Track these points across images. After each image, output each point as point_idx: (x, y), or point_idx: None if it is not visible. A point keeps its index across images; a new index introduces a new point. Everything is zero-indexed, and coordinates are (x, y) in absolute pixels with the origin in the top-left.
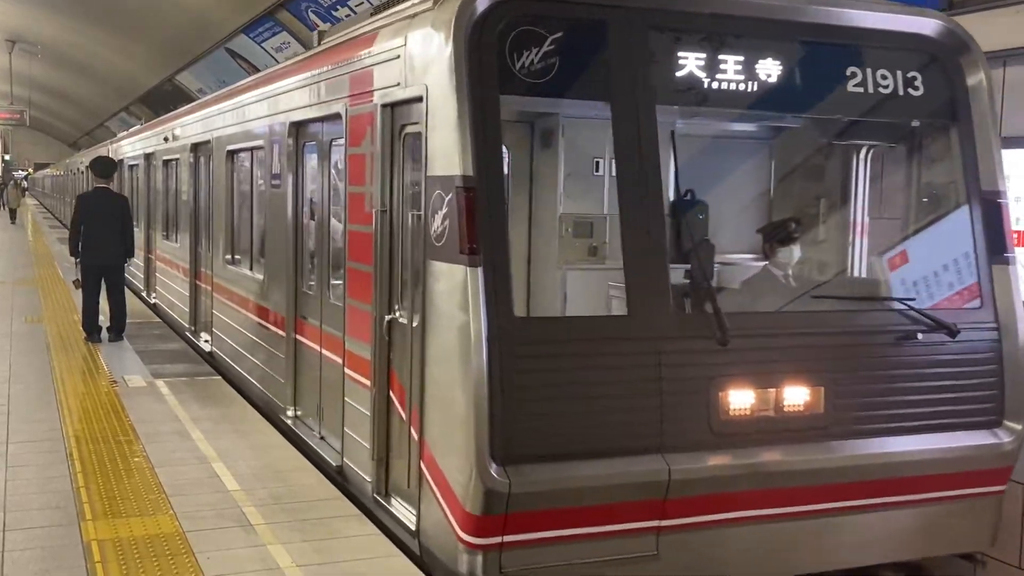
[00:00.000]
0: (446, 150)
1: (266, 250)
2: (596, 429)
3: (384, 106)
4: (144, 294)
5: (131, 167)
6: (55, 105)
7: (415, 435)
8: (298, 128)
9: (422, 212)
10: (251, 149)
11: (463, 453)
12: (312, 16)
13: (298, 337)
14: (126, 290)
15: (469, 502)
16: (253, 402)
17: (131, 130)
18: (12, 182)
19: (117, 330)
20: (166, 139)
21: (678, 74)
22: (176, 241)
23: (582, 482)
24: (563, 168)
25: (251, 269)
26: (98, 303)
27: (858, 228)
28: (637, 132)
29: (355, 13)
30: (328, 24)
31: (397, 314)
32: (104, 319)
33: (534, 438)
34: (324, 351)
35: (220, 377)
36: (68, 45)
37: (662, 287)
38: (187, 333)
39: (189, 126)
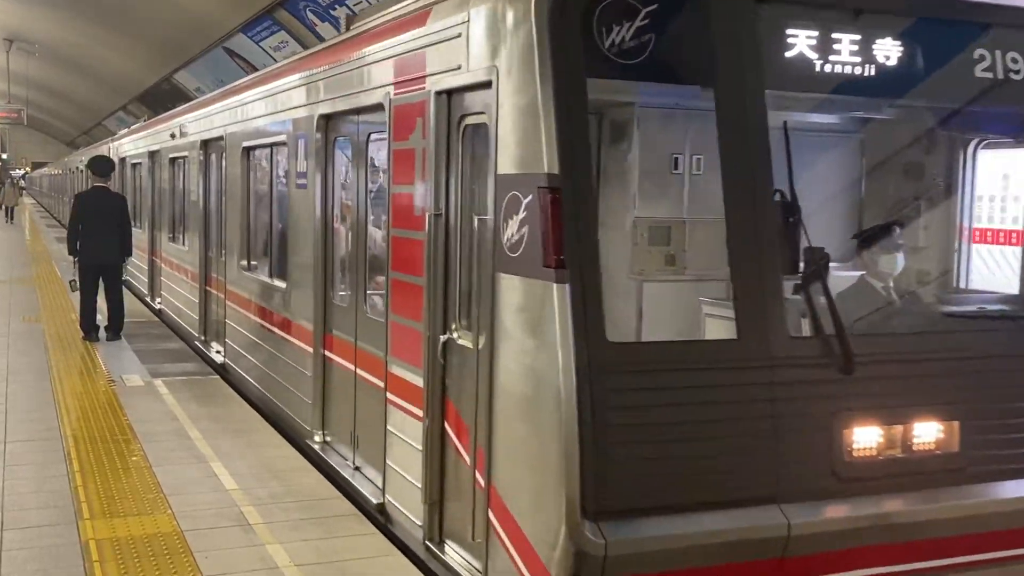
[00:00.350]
0: (523, 144)
1: (289, 256)
2: (703, 476)
3: (439, 93)
4: (148, 298)
5: (134, 166)
6: (53, 104)
7: (481, 479)
8: (328, 121)
9: (490, 216)
10: (271, 145)
11: (548, 506)
12: (310, 15)
13: (327, 353)
14: (124, 289)
15: (556, 566)
16: (273, 421)
17: (133, 127)
18: (9, 180)
19: (115, 329)
20: (173, 136)
21: (788, 55)
22: (184, 244)
23: (688, 540)
24: (638, 166)
25: (271, 276)
26: (96, 302)
27: (964, 232)
28: (746, 123)
29: (354, 13)
30: (327, 23)
31: (455, 335)
32: (102, 318)
33: (633, 488)
34: (360, 371)
35: (219, 376)
36: (66, 44)
37: (777, 305)
38: (196, 342)
39: (199, 121)
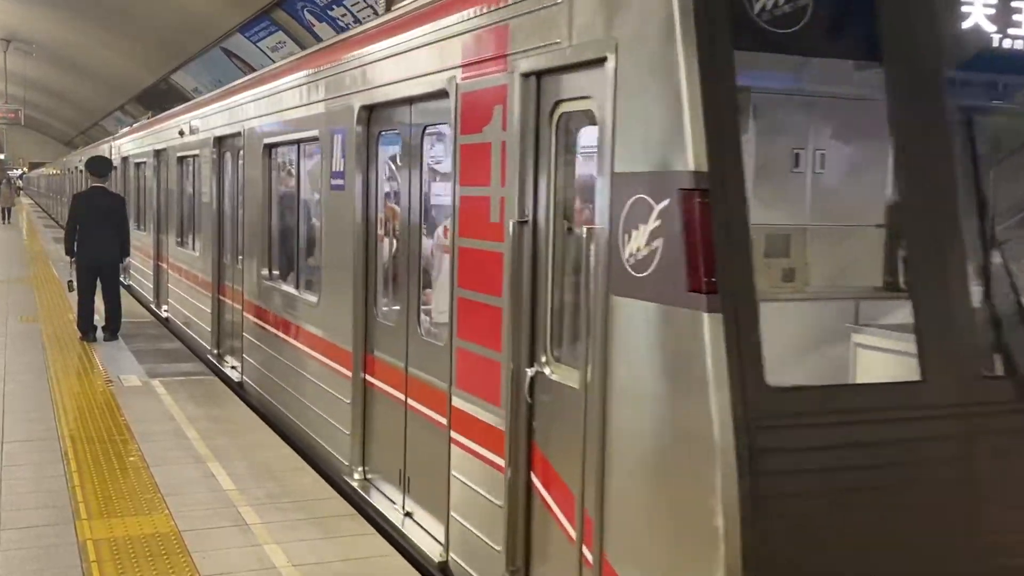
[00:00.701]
0: (654, 134)
1: (321, 266)
2: (890, 555)
3: (527, 75)
4: (154, 305)
5: (137, 165)
6: (50, 104)
7: (589, 552)
8: (370, 113)
9: (602, 225)
10: (298, 141)
11: None
12: (308, 16)
13: (368, 378)
14: (121, 290)
15: None
16: (300, 450)
17: (136, 124)
18: (6, 180)
19: (112, 329)
20: (181, 133)
21: (964, 25)
22: (194, 249)
23: None
24: (753, 162)
25: (298, 288)
26: (93, 302)
27: None
28: (925, 106)
29: (352, 13)
30: (324, 23)
31: (546, 369)
32: (99, 318)
33: (801, 565)
34: (412, 401)
35: (231, 391)
36: (63, 44)
37: (969, 337)
38: (209, 356)
39: (212, 116)
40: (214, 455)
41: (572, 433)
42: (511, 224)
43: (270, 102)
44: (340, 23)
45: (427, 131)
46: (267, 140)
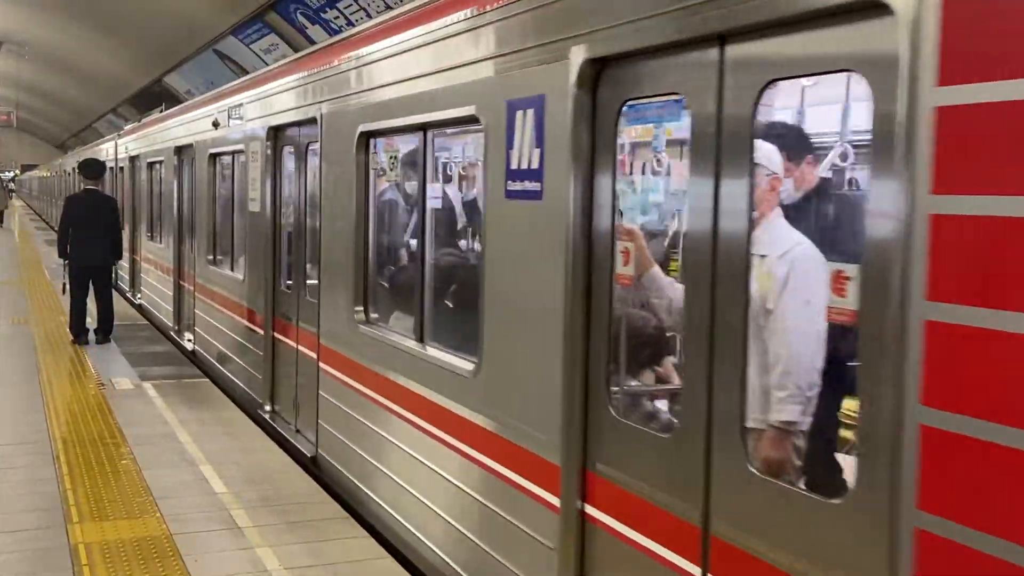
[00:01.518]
0: None
1: (486, 311)
2: None
3: None
4: (174, 332)
5: (151, 165)
6: (43, 106)
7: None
8: (600, 72)
9: None
10: (425, 127)
11: None
12: (300, 18)
13: (591, 511)
14: (113, 292)
15: None
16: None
17: (149, 118)
18: None
19: (105, 332)
20: (216, 124)
21: None
22: (235, 270)
23: None
24: None
25: (420, 340)
26: (86, 305)
27: None
28: None
29: (344, 16)
30: (317, 26)
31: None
32: (92, 321)
33: None
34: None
35: (214, 385)
36: (56, 46)
37: None
38: (262, 412)
39: (265, 101)
40: (206, 458)
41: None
42: None
43: (371, 74)
44: (333, 25)
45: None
46: (367, 126)
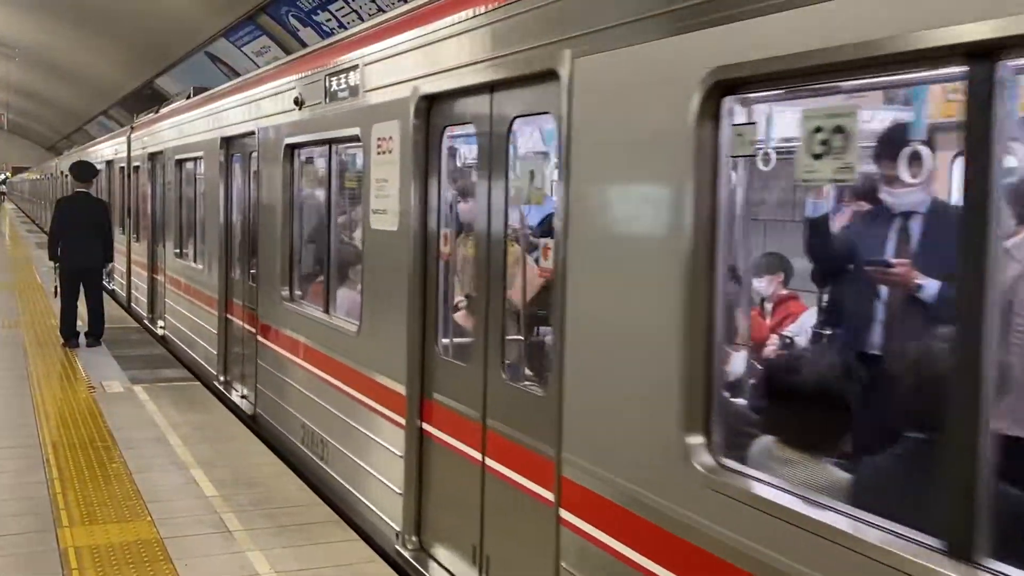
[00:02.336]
0: None
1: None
2: None
3: None
4: (219, 383)
5: (180, 163)
6: (33, 109)
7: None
8: None
9: None
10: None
11: None
12: (292, 20)
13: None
14: (104, 295)
15: None
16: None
17: (174, 105)
18: None
19: (95, 335)
20: (299, 103)
21: None
22: (330, 310)
23: None
24: None
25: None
26: (76, 308)
27: None
28: None
29: (336, 18)
30: (309, 28)
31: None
32: (82, 324)
33: None
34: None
35: (200, 383)
36: (46, 48)
37: None
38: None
39: (393, 62)
40: (197, 462)
41: None
42: None
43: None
44: (325, 28)
45: None
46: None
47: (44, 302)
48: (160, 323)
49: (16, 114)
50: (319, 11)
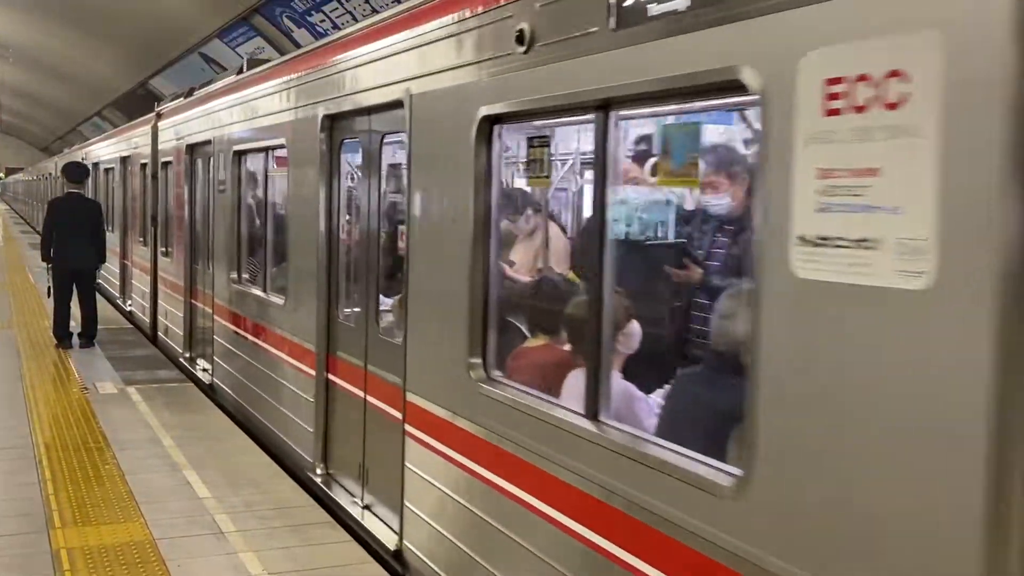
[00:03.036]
0: None
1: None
2: None
3: None
4: (322, 484)
5: (239, 156)
6: (27, 109)
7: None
8: None
9: None
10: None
11: None
12: (287, 21)
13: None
14: (97, 296)
15: None
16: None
17: (211, 88)
18: None
19: (88, 336)
20: (525, 40)
21: None
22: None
23: None
24: None
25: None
26: (70, 309)
27: None
28: None
29: (330, 19)
30: (303, 29)
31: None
32: (76, 325)
33: None
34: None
35: (192, 383)
36: (41, 49)
37: None
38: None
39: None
40: (190, 463)
41: None
42: None
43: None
44: (319, 28)
45: None
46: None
47: (37, 303)
48: (204, 366)
49: (9, 115)
50: (313, 12)
